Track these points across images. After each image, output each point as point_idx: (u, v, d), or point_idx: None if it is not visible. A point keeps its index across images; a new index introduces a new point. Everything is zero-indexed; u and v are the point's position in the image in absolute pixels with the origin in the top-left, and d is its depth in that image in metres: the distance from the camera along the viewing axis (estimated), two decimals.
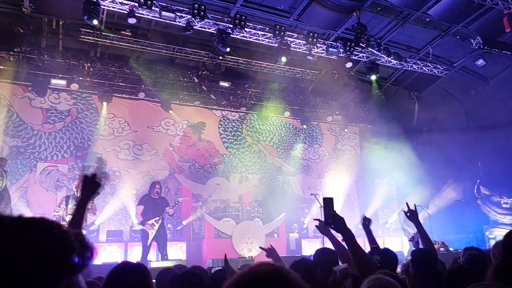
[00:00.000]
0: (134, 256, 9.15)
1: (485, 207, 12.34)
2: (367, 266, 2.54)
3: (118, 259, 9.17)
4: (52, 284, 0.81)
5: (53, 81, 10.33)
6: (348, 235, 2.64)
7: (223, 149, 12.58)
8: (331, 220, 2.63)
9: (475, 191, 12.29)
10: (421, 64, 11.61)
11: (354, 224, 12.53)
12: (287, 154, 13.44)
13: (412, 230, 10.85)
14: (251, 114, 13.08)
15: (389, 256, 3.24)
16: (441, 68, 11.84)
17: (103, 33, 10.07)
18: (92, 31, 9.94)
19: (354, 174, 13.67)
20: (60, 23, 9.83)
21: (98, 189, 2.15)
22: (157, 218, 8.53)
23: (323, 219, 2.80)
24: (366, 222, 3.80)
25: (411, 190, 11.85)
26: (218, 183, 11.52)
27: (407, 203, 4.00)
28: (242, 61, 11.42)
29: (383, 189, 13.80)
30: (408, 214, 3.97)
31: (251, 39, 10.02)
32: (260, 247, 4.21)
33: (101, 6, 8.60)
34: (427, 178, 11.50)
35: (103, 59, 10.81)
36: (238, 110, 12.83)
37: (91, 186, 2.15)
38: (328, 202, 2.64)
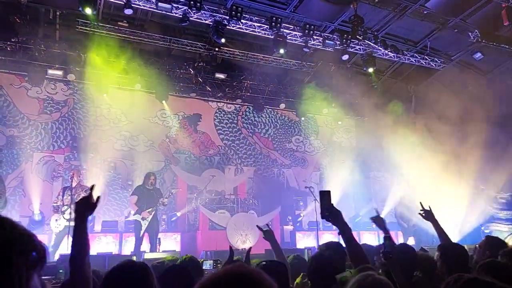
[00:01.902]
0: (129, 247, 9.23)
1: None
2: (361, 260, 2.58)
3: (113, 249, 9.26)
4: (20, 275, 0.87)
5: (50, 71, 10.35)
6: (344, 229, 2.67)
7: (218, 140, 12.61)
8: (328, 213, 2.64)
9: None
10: (419, 57, 11.56)
11: (349, 218, 12.61)
12: (282, 146, 13.47)
13: (406, 224, 10.90)
14: (247, 106, 13.10)
15: (404, 252, 3.23)
16: (439, 62, 11.78)
17: (99, 24, 10.04)
18: (88, 22, 9.90)
19: (349, 167, 13.69)
20: (57, 13, 9.78)
21: (92, 209, 2.15)
22: (150, 209, 8.56)
23: (319, 212, 2.79)
24: (378, 221, 3.73)
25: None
26: (213, 175, 11.56)
27: (421, 203, 3.93)
28: (238, 53, 11.37)
29: (379, 182, 13.82)
30: (423, 214, 3.90)
31: (247, 31, 9.98)
32: (257, 226, 4.14)
33: None
34: (424, 171, 11.48)
35: (99, 50, 10.76)
36: (234, 102, 12.85)
37: (86, 206, 2.14)
38: (325, 195, 2.66)
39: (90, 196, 2.15)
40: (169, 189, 10.02)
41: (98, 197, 2.18)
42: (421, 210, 3.92)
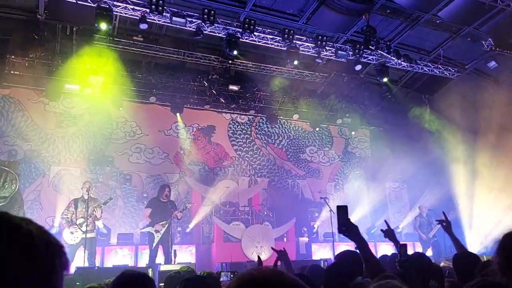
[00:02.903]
0: (145, 259, 9.25)
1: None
2: (379, 273, 2.58)
3: (129, 262, 9.28)
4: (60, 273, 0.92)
5: (67, 86, 10.51)
6: (362, 243, 2.70)
7: (232, 152, 12.65)
8: (345, 228, 2.66)
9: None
10: (432, 66, 11.51)
11: (364, 229, 12.46)
12: (296, 157, 13.44)
13: (426, 236, 10.75)
14: (260, 117, 13.15)
15: (420, 261, 3.24)
16: (452, 70, 11.72)
17: (115, 39, 10.24)
18: (104, 37, 10.08)
19: (364, 178, 13.59)
20: (74, 29, 10.00)
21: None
22: (164, 222, 8.56)
23: (336, 226, 2.81)
24: (387, 234, 3.73)
25: (423, 194, 11.73)
26: (228, 186, 11.57)
27: (443, 212, 3.97)
28: (251, 65, 11.49)
29: (394, 193, 13.69)
30: (444, 224, 3.93)
31: (260, 43, 10.08)
32: (272, 248, 4.22)
33: (114, 12, 8.74)
34: (440, 181, 11.36)
35: (115, 64, 10.94)
36: (247, 113, 12.91)
37: None
38: (342, 210, 2.67)
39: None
40: (184, 203, 10.05)
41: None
42: (439, 221, 3.91)
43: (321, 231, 11.84)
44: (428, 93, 12.90)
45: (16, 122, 10.40)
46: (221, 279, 5.22)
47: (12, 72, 9.99)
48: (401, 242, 3.45)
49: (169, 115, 11.78)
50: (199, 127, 12.38)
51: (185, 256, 9.79)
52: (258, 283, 0.96)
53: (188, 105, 11.92)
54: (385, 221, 3.85)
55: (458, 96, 12.02)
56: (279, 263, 4.00)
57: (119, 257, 9.37)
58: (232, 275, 5.95)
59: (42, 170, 10.43)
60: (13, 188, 8.96)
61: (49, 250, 0.90)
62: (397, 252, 3.25)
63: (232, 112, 12.76)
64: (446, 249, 10.64)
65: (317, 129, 13.60)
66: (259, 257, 3.81)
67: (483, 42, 10.48)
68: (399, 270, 2.97)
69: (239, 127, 12.97)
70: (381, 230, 3.71)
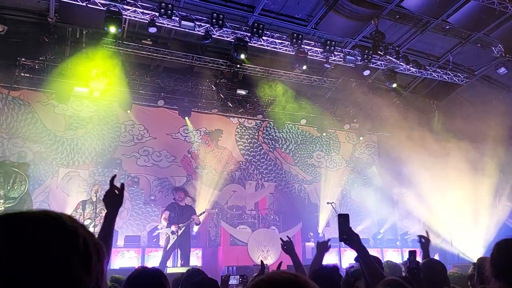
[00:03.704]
0: (152, 261, 9.26)
1: (508, 219, 11.98)
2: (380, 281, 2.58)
3: (135, 264, 9.30)
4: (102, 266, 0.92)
5: (76, 88, 10.59)
6: (362, 252, 2.71)
7: (239, 156, 12.67)
8: (346, 236, 2.66)
9: (496, 202, 11.96)
10: (441, 72, 11.46)
11: (372, 234, 12.40)
12: (303, 162, 13.42)
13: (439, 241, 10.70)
14: (268, 121, 13.15)
15: (432, 266, 3.22)
16: (462, 77, 11.65)
17: (124, 42, 10.31)
18: (114, 40, 10.16)
19: (371, 183, 13.52)
20: (84, 32, 10.09)
21: (120, 201, 2.16)
22: (180, 225, 8.61)
23: (337, 235, 2.82)
24: (423, 240, 3.72)
25: (429, 200, 11.64)
26: (234, 190, 11.58)
27: (426, 231, 3.94)
28: (259, 69, 11.50)
29: (402, 199, 13.58)
30: (422, 240, 3.84)
31: (268, 48, 10.10)
32: (281, 238, 4.16)
33: (123, 16, 8.80)
34: (446, 187, 11.28)
35: (124, 68, 11.03)
36: (255, 118, 12.93)
37: (113, 199, 2.14)
38: (343, 219, 2.67)
39: (112, 187, 2.12)
40: (191, 205, 10.05)
41: (122, 184, 2.15)
42: (420, 236, 3.84)
43: (327, 236, 11.78)
44: (436, 99, 12.84)
45: (25, 124, 10.49)
46: (230, 282, 5.22)
47: (22, 74, 10.09)
48: (410, 249, 3.44)
49: (177, 118, 11.84)
50: (207, 131, 12.42)
51: (192, 259, 9.77)
52: (276, 284, 0.98)
53: (196, 109, 11.96)
54: (426, 231, 3.82)
55: (467, 102, 11.96)
56: (282, 267, 3.98)
57: (126, 259, 9.39)
58: (241, 279, 5.94)
59: (51, 171, 10.50)
60: (22, 189, 9.05)
61: (99, 254, 0.90)
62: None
63: (240, 116, 12.79)
64: (454, 256, 10.55)
65: (325, 134, 13.58)
66: (262, 262, 3.79)
67: (493, 48, 10.42)
68: (407, 276, 2.97)
69: (246, 131, 12.99)
70: (419, 236, 3.72)
